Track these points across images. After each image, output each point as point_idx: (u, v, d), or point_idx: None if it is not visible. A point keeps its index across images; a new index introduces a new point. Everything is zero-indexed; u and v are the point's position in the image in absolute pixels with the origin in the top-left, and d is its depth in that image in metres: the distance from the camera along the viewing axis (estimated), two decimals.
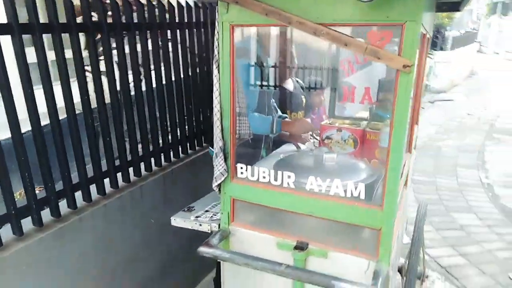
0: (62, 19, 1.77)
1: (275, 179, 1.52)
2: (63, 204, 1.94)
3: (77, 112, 1.90)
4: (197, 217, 1.75)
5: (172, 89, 2.50)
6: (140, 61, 2.26)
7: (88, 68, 1.96)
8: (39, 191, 1.95)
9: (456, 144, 6.40)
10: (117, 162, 2.20)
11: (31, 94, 1.68)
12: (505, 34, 18.53)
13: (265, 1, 1.33)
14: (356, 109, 2.35)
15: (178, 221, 1.76)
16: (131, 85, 2.22)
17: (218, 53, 1.49)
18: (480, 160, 5.65)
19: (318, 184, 1.45)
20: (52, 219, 1.88)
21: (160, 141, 2.49)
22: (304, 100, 2.62)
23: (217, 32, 1.47)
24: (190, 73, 2.62)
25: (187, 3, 2.53)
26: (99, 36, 2.16)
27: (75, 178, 1.97)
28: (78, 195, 2.00)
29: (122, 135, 2.18)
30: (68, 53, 1.84)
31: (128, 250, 2.25)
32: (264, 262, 1.41)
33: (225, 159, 1.57)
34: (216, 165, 1.57)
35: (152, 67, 2.33)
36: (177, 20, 2.44)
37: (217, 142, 1.56)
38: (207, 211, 1.82)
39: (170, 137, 2.56)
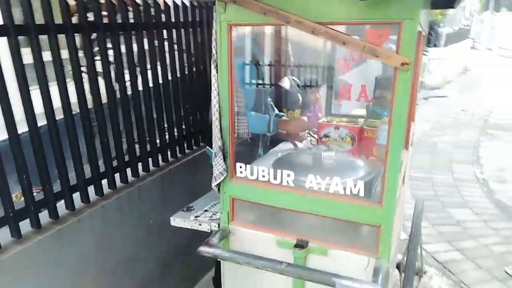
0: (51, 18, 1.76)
1: (275, 178, 1.52)
2: (60, 206, 1.93)
3: (73, 112, 1.90)
4: (196, 217, 1.76)
5: (168, 89, 2.49)
6: (136, 61, 2.25)
7: (84, 68, 1.95)
8: (36, 193, 1.94)
9: (451, 140, 6.44)
10: (114, 163, 2.19)
11: (28, 95, 1.67)
12: (497, 30, 18.67)
13: (262, 1, 1.33)
14: (352, 107, 2.36)
15: (177, 221, 1.76)
16: (127, 84, 2.21)
17: (216, 52, 1.49)
18: (475, 155, 5.69)
19: (318, 182, 1.46)
20: (50, 221, 1.87)
21: (158, 141, 2.49)
22: (300, 98, 2.63)
23: (215, 32, 1.47)
24: (186, 73, 2.61)
25: (182, 2, 2.53)
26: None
27: (72, 179, 1.96)
28: (76, 196, 1.99)
29: (119, 136, 2.18)
30: (63, 53, 1.83)
31: (127, 251, 2.24)
32: (264, 261, 1.41)
33: (224, 159, 1.57)
34: (215, 165, 1.58)
35: (148, 67, 2.32)
36: (172, 20, 2.44)
37: (216, 141, 1.56)
38: (206, 210, 1.82)
39: (167, 137, 2.56)
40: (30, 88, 1.67)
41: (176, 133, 2.63)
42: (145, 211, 2.35)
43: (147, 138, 2.40)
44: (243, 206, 1.62)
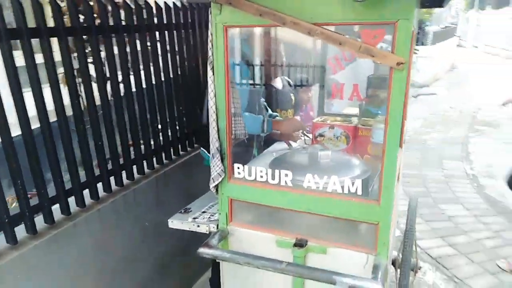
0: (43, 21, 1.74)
1: (273, 178, 1.53)
2: (55, 210, 1.91)
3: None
4: (194, 218, 1.75)
5: (161, 90, 2.48)
6: (129, 63, 2.24)
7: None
8: (30, 198, 1.91)
9: (441, 137, 6.54)
10: (109, 166, 2.18)
11: (21, 98, 1.65)
12: (483, 28, 18.96)
13: (258, 2, 1.34)
14: (343, 106, 2.38)
15: (175, 223, 1.75)
16: (121, 87, 2.20)
17: (212, 54, 1.49)
18: (464, 152, 5.78)
19: (316, 181, 1.47)
20: (45, 226, 1.85)
21: (152, 143, 2.48)
22: (293, 98, 2.64)
23: (211, 34, 1.48)
24: (179, 74, 2.61)
25: (174, 3, 2.52)
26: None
27: (66, 183, 1.94)
28: (71, 200, 1.97)
29: (114, 138, 2.16)
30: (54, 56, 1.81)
31: (123, 254, 2.23)
32: (265, 261, 1.42)
33: (222, 160, 1.57)
34: (213, 166, 1.58)
35: (141, 68, 2.32)
36: (165, 22, 2.43)
37: (214, 143, 1.56)
38: (204, 212, 1.82)
39: (161, 139, 2.55)
40: (23, 90, 1.65)
41: (170, 135, 2.62)
42: (141, 214, 2.34)
43: (141, 141, 2.39)
44: (242, 206, 1.63)
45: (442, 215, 3.88)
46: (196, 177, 2.71)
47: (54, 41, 1.79)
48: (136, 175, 2.37)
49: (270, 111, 2.40)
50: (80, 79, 1.99)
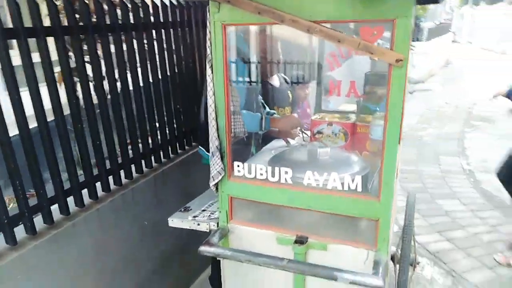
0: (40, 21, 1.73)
1: (272, 176, 1.53)
2: (54, 210, 1.91)
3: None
4: (194, 217, 1.76)
5: (159, 89, 2.48)
6: (126, 62, 2.23)
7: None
8: (28, 198, 1.91)
9: (437, 132, 6.57)
10: (107, 165, 2.17)
11: (18, 97, 1.64)
12: (477, 24, 19.05)
13: (257, 0, 1.33)
14: (339, 102, 2.39)
15: (175, 221, 1.76)
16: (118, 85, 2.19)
17: (211, 52, 1.49)
18: (460, 147, 5.82)
19: (315, 178, 1.48)
20: (44, 226, 1.84)
21: (150, 141, 2.48)
22: (290, 95, 2.65)
23: (209, 32, 1.47)
24: (176, 72, 2.60)
25: (170, 2, 2.51)
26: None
27: (65, 182, 1.94)
28: (70, 200, 1.97)
29: (112, 137, 2.16)
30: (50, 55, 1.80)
31: (123, 253, 2.23)
32: (266, 258, 1.43)
33: (222, 158, 1.58)
34: (213, 164, 1.58)
35: (138, 67, 2.31)
36: (161, 20, 2.42)
37: (213, 141, 1.56)
38: (204, 210, 1.82)
39: (159, 137, 2.55)
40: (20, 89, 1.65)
41: (168, 134, 2.62)
42: (140, 213, 2.34)
43: (139, 140, 2.38)
44: (242, 204, 1.63)
45: (439, 210, 3.91)
46: (194, 176, 2.71)
47: (50, 40, 1.78)
48: (134, 174, 2.37)
49: (267, 109, 2.40)
50: (77, 78, 1.98)
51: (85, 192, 2.04)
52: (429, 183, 4.55)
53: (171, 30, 2.50)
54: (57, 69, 1.82)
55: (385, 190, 1.37)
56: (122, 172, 2.28)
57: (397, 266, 2.01)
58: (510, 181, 3.11)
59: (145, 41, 2.32)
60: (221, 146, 1.57)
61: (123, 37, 2.17)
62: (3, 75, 1.61)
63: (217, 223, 1.69)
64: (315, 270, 1.35)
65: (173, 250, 2.61)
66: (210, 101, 1.53)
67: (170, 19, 2.48)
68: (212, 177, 1.59)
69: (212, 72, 1.50)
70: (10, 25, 1.62)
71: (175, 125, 2.66)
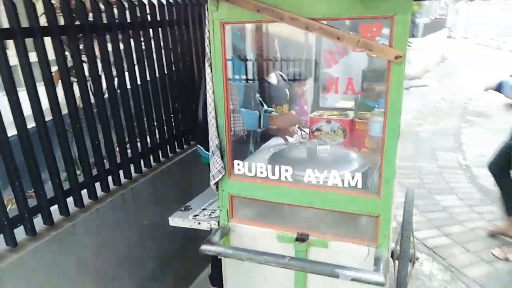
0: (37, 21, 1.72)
1: (273, 174, 1.54)
2: (54, 211, 1.90)
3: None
4: (195, 215, 1.76)
5: (157, 88, 2.47)
6: (124, 61, 2.22)
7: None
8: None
9: (433, 128, 6.60)
10: (107, 165, 2.17)
11: (16, 97, 1.63)
12: (472, 19, 19.10)
13: None
14: (336, 99, 2.39)
15: (176, 221, 1.75)
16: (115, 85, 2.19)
17: (210, 51, 1.49)
18: (457, 142, 5.84)
19: (316, 176, 1.48)
20: (44, 227, 1.84)
21: (148, 141, 2.47)
22: (288, 93, 2.65)
23: (208, 31, 1.47)
24: (174, 71, 2.59)
25: (167, 0, 2.50)
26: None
27: (64, 183, 1.93)
28: (69, 200, 1.96)
29: (110, 137, 2.15)
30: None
31: (123, 253, 2.23)
32: (267, 256, 1.43)
33: (222, 157, 1.57)
34: (213, 163, 1.58)
35: (135, 65, 2.30)
36: (158, 18, 2.41)
37: (213, 140, 1.56)
38: (204, 209, 1.82)
39: (158, 136, 2.54)
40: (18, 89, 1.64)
41: (166, 132, 2.61)
42: (139, 212, 2.34)
43: (138, 139, 2.38)
44: (242, 203, 1.63)
45: (437, 205, 3.93)
46: (193, 174, 2.71)
47: (47, 40, 1.77)
48: (133, 174, 2.36)
49: (265, 107, 2.40)
50: (74, 78, 1.97)
51: (84, 192, 2.04)
52: (427, 178, 4.57)
53: (168, 28, 2.50)
54: (53, 68, 1.81)
55: (385, 186, 1.37)
56: (121, 172, 2.27)
57: (397, 262, 2.02)
58: (501, 174, 3.14)
59: (142, 40, 2.31)
60: (221, 145, 1.56)
61: (120, 36, 2.16)
62: (0, 75, 1.60)
63: (218, 222, 1.69)
64: (316, 268, 1.36)
65: (173, 249, 2.61)
66: (209, 100, 1.52)
67: (167, 18, 2.48)
68: (213, 176, 1.59)
69: (211, 71, 1.50)
70: (6, 25, 1.61)
71: (173, 124, 2.66)
